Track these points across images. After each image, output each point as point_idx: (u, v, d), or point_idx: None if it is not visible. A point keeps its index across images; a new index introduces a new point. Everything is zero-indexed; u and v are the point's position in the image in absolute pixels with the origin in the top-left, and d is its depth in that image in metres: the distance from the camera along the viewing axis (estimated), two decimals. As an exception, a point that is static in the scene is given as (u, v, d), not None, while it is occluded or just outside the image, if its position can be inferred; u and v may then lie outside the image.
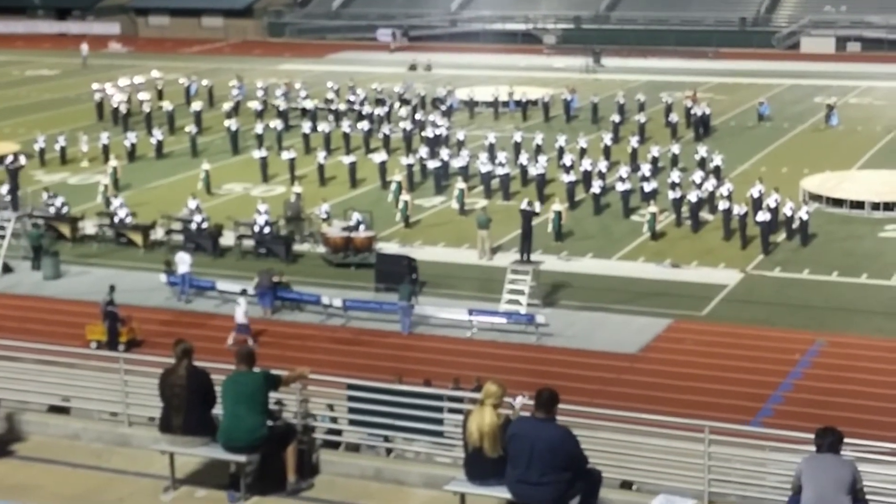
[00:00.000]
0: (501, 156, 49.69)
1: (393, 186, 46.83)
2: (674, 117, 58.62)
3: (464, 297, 36.59)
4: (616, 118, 58.36)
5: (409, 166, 49.75)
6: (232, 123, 57.32)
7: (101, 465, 14.03)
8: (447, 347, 33.37)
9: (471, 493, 12.22)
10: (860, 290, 37.42)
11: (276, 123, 58.00)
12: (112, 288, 33.78)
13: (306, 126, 57.56)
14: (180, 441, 13.15)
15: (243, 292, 34.97)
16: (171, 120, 61.16)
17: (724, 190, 43.71)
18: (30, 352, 16.91)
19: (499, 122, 62.51)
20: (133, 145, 55.52)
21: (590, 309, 35.78)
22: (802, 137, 59.15)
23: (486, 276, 38.24)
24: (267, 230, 40.95)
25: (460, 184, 46.74)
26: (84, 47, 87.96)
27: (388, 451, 16.14)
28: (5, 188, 44.31)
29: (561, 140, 52.60)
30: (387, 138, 54.97)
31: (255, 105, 63.44)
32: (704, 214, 43.96)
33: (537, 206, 39.89)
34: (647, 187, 45.42)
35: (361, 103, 62.92)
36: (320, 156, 51.19)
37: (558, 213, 42.04)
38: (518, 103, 64.80)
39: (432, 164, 49.88)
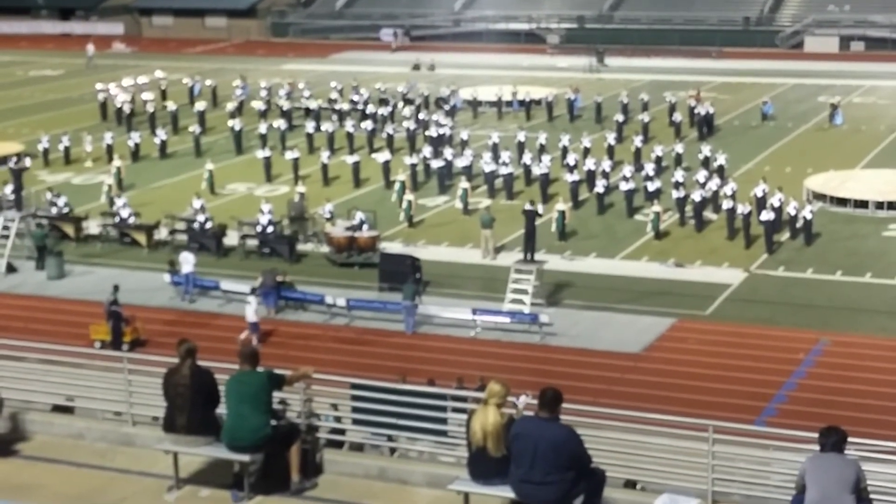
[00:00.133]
0: (505, 155, 49.69)
1: (396, 186, 46.84)
2: (677, 117, 58.59)
3: (467, 296, 36.59)
4: (620, 118, 58.33)
5: (413, 166, 49.75)
6: (235, 123, 57.35)
7: (105, 465, 14.03)
8: (451, 347, 33.37)
9: (474, 493, 12.22)
10: (864, 289, 37.39)
11: (280, 123, 58.00)
12: (116, 288, 33.80)
13: (310, 126, 57.59)
14: (184, 440, 13.15)
15: (253, 291, 34.92)
16: (174, 120, 61.20)
17: (727, 189, 43.68)
18: (34, 351, 16.93)
19: (502, 121, 62.51)
20: (137, 145, 55.58)
21: (593, 308, 35.76)
22: (806, 137, 59.13)
23: (489, 276, 38.25)
24: (270, 230, 40.97)
25: (464, 183, 46.73)
26: (90, 48, 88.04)
27: (392, 450, 16.14)
28: (9, 188, 44.40)
29: (564, 139, 52.57)
30: (390, 138, 54.98)
31: (258, 105, 63.47)
32: (708, 214, 43.95)
33: (540, 208, 39.83)
34: (651, 187, 45.40)
35: (365, 103, 62.90)
36: (324, 155, 51.20)
37: (562, 213, 42.03)
38: (521, 103, 64.80)
39: (436, 164, 49.88)
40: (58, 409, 15.93)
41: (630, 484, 13.87)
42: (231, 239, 41.66)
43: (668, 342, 33.49)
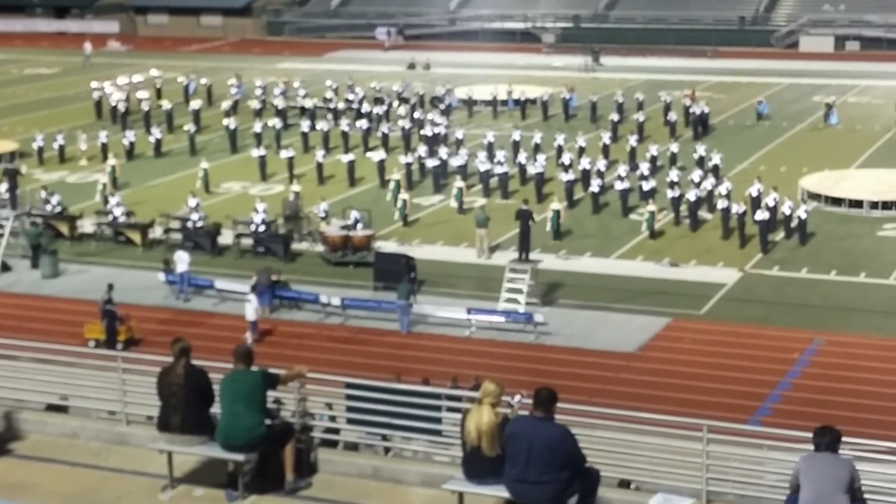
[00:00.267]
0: (500, 154, 49.65)
1: (391, 185, 46.84)
2: (672, 116, 58.61)
3: (462, 295, 36.59)
4: (615, 117, 58.35)
5: (408, 165, 49.73)
6: (230, 122, 57.30)
7: (100, 464, 14.03)
8: (445, 346, 33.37)
9: (469, 492, 12.23)
10: (859, 288, 37.42)
11: (275, 122, 57.99)
12: (110, 286, 33.77)
13: (305, 125, 57.54)
14: (178, 440, 13.14)
15: (253, 290, 34.80)
16: (169, 118, 61.13)
17: (722, 189, 43.70)
18: (28, 350, 16.94)
19: (497, 120, 62.50)
20: (132, 144, 55.48)
21: (588, 308, 35.77)
22: (801, 136, 59.16)
23: (484, 275, 38.24)
24: (263, 229, 40.95)
25: (459, 182, 46.72)
26: (87, 46, 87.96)
27: (387, 449, 16.15)
28: (4, 187, 44.33)
29: (560, 139, 52.58)
30: (385, 137, 54.94)
31: (253, 104, 63.45)
32: (703, 213, 43.97)
33: (534, 216, 39.53)
34: (646, 186, 45.39)
35: (360, 102, 62.89)
36: (319, 154, 51.17)
37: (557, 212, 42.03)
38: (517, 102, 64.80)
39: (431, 163, 49.87)
40: (52, 408, 15.92)
41: (624, 483, 13.88)
42: (226, 238, 41.63)
43: (663, 342, 33.51)
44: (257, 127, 56.23)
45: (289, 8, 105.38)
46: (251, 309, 33.57)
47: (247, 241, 41.26)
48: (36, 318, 35.30)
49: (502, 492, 11.89)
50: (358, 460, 13.94)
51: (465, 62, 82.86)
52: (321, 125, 57.10)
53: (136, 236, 42.22)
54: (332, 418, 15.04)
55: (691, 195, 43.44)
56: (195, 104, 61.86)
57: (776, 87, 72.27)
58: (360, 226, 40.66)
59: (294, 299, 36.18)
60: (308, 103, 62.01)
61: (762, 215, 40.79)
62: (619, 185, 45.43)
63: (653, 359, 32.26)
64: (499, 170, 48.34)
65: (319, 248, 41.18)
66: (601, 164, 48.44)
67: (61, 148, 55.01)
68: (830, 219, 44.50)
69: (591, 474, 11.94)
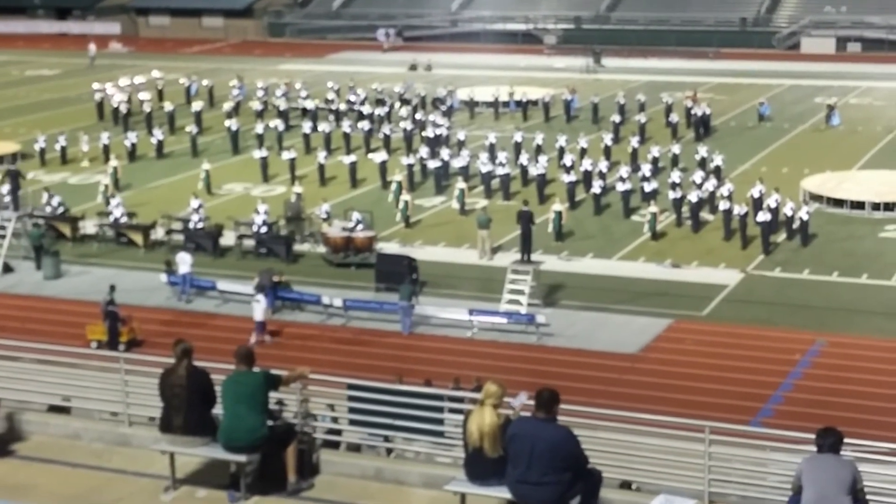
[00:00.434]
0: (502, 156, 49.68)
1: (393, 186, 46.83)
2: (674, 117, 58.61)
3: (464, 297, 36.59)
4: (616, 118, 58.36)
5: (410, 166, 49.75)
6: (232, 123, 57.33)
7: (102, 465, 14.02)
8: (447, 347, 33.37)
9: (471, 493, 12.22)
10: (860, 290, 37.41)
11: (277, 123, 58.00)
12: (112, 288, 33.77)
13: (307, 126, 57.55)
14: (180, 441, 13.14)
15: (261, 290, 34.69)
16: (171, 120, 61.16)
17: (724, 190, 43.70)
18: (30, 351, 16.92)
19: (499, 122, 62.51)
20: (133, 145, 55.52)
21: (590, 309, 35.77)
22: (803, 138, 59.15)
23: (486, 276, 38.24)
24: (265, 230, 40.96)
25: (461, 184, 46.73)
26: (92, 47, 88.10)
27: (389, 451, 16.16)
28: (6, 188, 44.35)
29: (561, 140, 52.58)
30: (387, 138, 54.96)
31: (255, 105, 63.45)
32: (705, 214, 43.95)
33: (534, 217, 39.47)
34: (648, 187, 45.42)
35: (362, 103, 62.90)
36: (321, 156, 51.18)
37: (559, 213, 42.04)
38: (518, 103, 64.80)
39: (433, 164, 49.88)
40: (54, 409, 15.93)
41: (626, 485, 13.87)
42: (228, 239, 41.64)
43: (665, 343, 33.50)
44: (259, 128, 56.25)
45: (290, 9, 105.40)
46: (259, 309, 33.56)
47: (249, 243, 41.27)
48: (38, 319, 35.31)
49: (504, 493, 11.88)
50: (360, 461, 13.94)
51: (467, 63, 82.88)
52: (323, 126, 57.11)
53: (138, 237, 42.23)
54: (334, 419, 15.04)
55: (693, 196, 43.43)
56: (197, 105, 61.88)
57: (778, 88, 72.27)
58: (360, 227, 40.65)
59: (296, 300, 36.18)
60: (310, 104, 62.03)
61: (764, 217, 40.78)
62: (620, 187, 45.44)
63: (655, 360, 32.25)
64: (500, 171, 48.35)
65: (321, 249, 41.19)
66: (603, 165, 48.45)
67: (63, 149, 55.03)
68: (832, 220, 44.48)
69: (593, 475, 11.93)
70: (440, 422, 13.66)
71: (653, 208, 42.76)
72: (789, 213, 42.15)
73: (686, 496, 12.39)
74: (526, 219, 38.08)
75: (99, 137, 55.20)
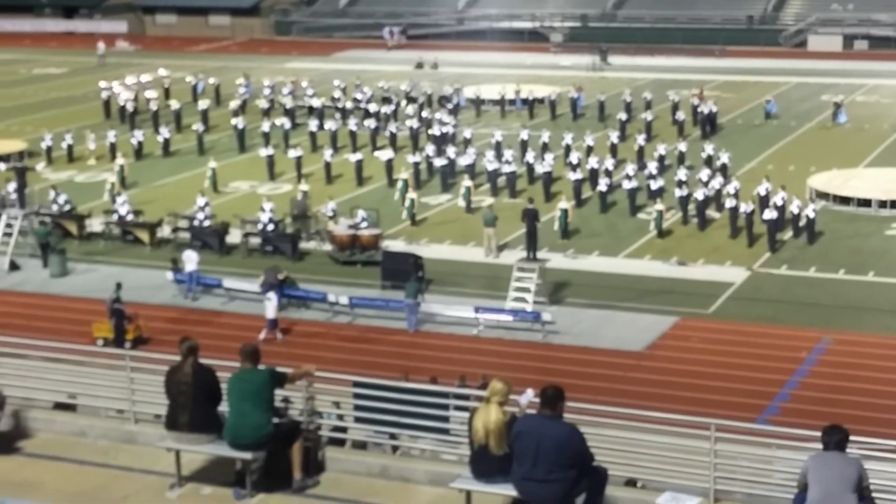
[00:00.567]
0: (508, 154, 49.64)
1: (399, 184, 46.85)
2: (680, 115, 58.55)
3: (470, 294, 36.59)
4: (623, 116, 58.31)
5: (416, 164, 49.75)
6: (239, 121, 57.37)
7: (108, 462, 14.04)
8: (453, 345, 33.36)
9: (477, 491, 12.22)
10: (867, 287, 37.37)
11: (283, 121, 58.04)
12: (119, 285, 33.82)
13: (313, 124, 57.56)
14: (186, 438, 13.15)
15: (272, 288, 34.63)
16: (178, 118, 61.21)
17: (730, 188, 43.65)
18: (37, 349, 16.95)
19: (505, 120, 62.49)
20: (140, 143, 55.60)
21: (596, 307, 35.74)
22: (809, 135, 59.08)
23: (492, 274, 38.24)
24: (271, 228, 40.98)
25: (467, 182, 46.70)
26: (101, 46, 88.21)
27: (394, 448, 16.14)
28: (12, 186, 44.38)
29: (567, 138, 52.56)
30: (393, 136, 54.98)
31: (261, 103, 63.48)
32: (711, 212, 43.91)
33: (539, 215, 39.46)
34: (654, 185, 45.37)
35: (368, 101, 62.89)
36: (327, 154, 51.19)
37: (565, 211, 42.02)
38: (525, 101, 64.79)
39: (439, 162, 49.88)
40: (60, 406, 15.94)
41: (631, 482, 13.87)
42: (234, 237, 41.67)
43: (671, 340, 33.48)
44: (265, 126, 56.26)
45: (297, 8, 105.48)
46: (271, 307, 33.58)
47: (255, 241, 41.30)
48: (44, 316, 35.37)
49: (510, 490, 11.89)
50: (365, 459, 13.94)
51: (473, 61, 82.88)
52: (329, 124, 57.13)
53: (144, 235, 42.28)
54: (340, 417, 15.04)
55: (699, 194, 43.39)
56: (203, 104, 61.91)
57: (784, 86, 72.19)
58: (364, 224, 40.63)
59: (302, 298, 36.19)
60: (316, 103, 62.04)
61: (770, 214, 40.72)
62: (627, 184, 45.41)
63: (661, 357, 32.23)
64: (507, 169, 48.33)
65: (327, 247, 41.20)
66: (609, 163, 48.42)
67: (70, 147, 55.11)
68: (839, 218, 44.43)
69: (598, 473, 11.93)
70: (446, 419, 13.65)
71: (659, 206, 42.72)
72: (796, 211, 42.09)
73: (692, 494, 12.39)
74: (531, 217, 38.08)
75: (105, 136, 55.28)
